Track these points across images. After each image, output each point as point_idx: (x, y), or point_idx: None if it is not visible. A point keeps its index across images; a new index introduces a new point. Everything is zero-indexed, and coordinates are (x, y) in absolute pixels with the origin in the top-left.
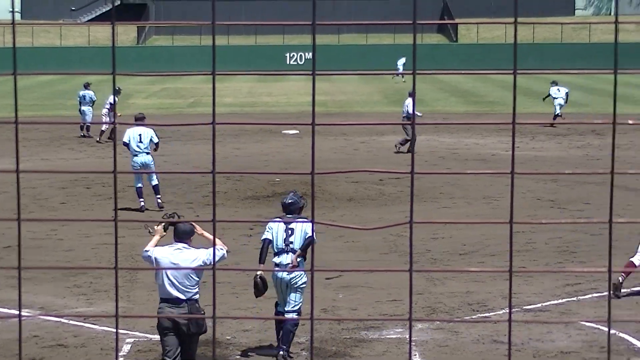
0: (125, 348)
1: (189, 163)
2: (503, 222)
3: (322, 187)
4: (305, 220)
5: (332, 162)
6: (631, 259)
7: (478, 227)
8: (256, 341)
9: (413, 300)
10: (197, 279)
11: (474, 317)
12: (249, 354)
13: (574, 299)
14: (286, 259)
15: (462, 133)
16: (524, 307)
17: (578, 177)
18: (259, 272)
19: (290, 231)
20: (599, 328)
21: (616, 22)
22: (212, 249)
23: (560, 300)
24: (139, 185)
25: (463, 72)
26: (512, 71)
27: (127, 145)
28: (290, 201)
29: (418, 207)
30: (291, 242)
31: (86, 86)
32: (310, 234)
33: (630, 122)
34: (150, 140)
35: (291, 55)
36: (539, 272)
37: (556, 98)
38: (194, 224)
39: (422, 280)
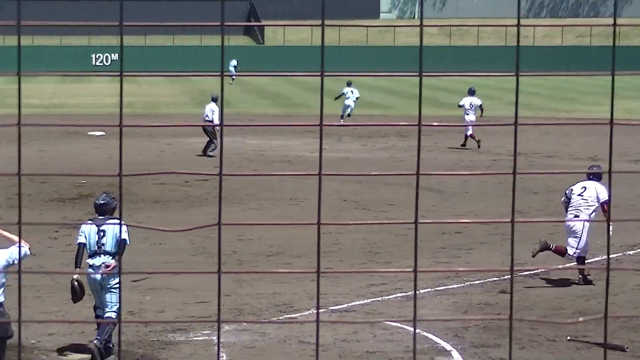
0: None
1: None
2: (310, 224)
3: (129, 189)
4: (116, 222)
5: (139, 164)
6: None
7: (284, 228)
8: (61, 344)
9: (220, 302)
10: (4, 280)
11: (280, 318)
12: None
13: (379, 299)
14: (99, 260)
15: (269, 135)
16: (331, 308)
17: (383, 179)
18: (75, 276)
19: (102, 233)
20: (403, 327)
21: (421, 26)
22: (13, 247)
23: (365, 301)
24: None
25: (271, 74)
26: (319, 74)
27: None
28: (102, 202)
29: (225, 209)
30: (103, 244)
31: None
32: (122, 237)
33: (434, 124)
34: None
35: (97, 56)
36: (346, 272)
37: (348, 98)
38: None
39: (229, 282)
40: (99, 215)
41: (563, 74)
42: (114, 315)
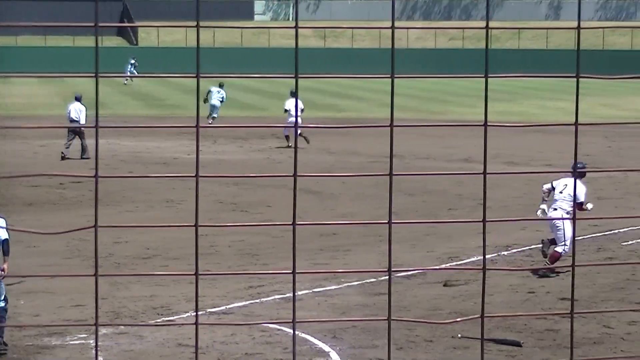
0: None
1: None
2: (188, 225)
3: (0, 191)
4: None
5: (11, 166)
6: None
7: (161, 230)
8: None
9: (98, 305)
10: None
11: (158, 321)
12: None
13: (258, 301)
14: None
15: (144, 136)
16: (209, 310)
17: (259, 181)
18: None
19: None
20: (281, 329)
21: (296, 27)
22: None
23: (244, 303)
24: None
25: (146, 75)
26: (195, 75)
27: None
28: None
29: (101, 211)
30: None
31: None
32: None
33: (311, 125)
34: None
35: None
36: (225, 274)
37: (213, 98)
38: None
39: (106, 285)
40: None
41: (437, 76)
42: (3, 303)
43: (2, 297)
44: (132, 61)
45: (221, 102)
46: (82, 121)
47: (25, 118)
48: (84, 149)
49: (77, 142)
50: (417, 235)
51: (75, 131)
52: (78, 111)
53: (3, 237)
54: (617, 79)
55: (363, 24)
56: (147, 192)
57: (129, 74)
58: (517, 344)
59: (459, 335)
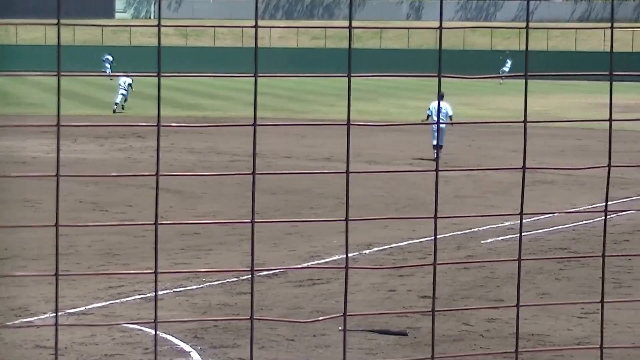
0: None
1: None
2: (48, 226)
3: None
4: None
5: None
6: None
7: (19, 230)
8: None
9: None
10: None
11: (16, 322)
12: None
13: (117, 301)
14: None
15: (2, 135)
16: (67, 311)
17: (120, 180)
18: None
19: None
20: (142, 330)
21: (159, 26)
22: None
23: (104, 303)
24: None
25: (5, 73)
26: (56, 73)
27: None
28: None
29: None
30: None
31: None
32: None
33: (173, 124)
34: None
35: None
36: (85, 275)
37: (121, 88)
38: None
39: None
40: None
41: (300, 76)
42: None
43: None
44: (109, 57)
45: (127, 90)
46: None
47: None
48: None
49: None
50: (279, 234)
51: None
52: None
53: None
54: (477, 78)
55: (225, 22)
56: (4, 192)
57: (108, 71)
58: (404, 334)
59: (339, 329)
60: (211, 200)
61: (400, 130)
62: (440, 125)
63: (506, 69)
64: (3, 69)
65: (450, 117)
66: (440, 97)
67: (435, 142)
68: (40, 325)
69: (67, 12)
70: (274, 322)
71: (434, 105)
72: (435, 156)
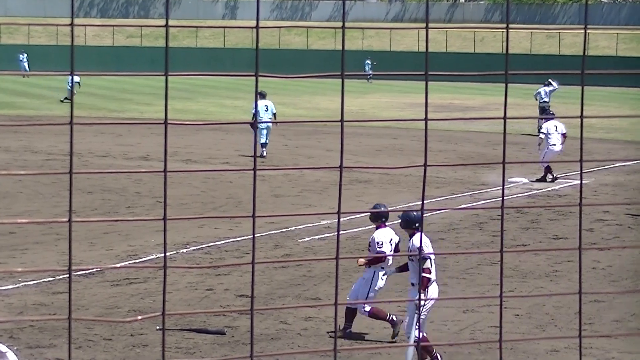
0: None
1: None
2: None
3: None
4: None
5: None
6: None
7: None
8: None
9: None
10: None
11: None
12: None
13: None
14: None
15: None
16: None
17: None
18: None
19: None
20: None
21: (72, 24)
22: None
23: None
24: None
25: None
26: None
27: None
28: None
29: None
30: None
31: None
32: None
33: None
34: None
35: None
36: None
37: None
38: None
39: None
40: None
41: (116, 74)
42: None
43: None
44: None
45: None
46: None
47: None
48: None
49: None
50: (97, 233)
51: None
52: None
53: None
54: (294, 78)
55: (40, 20)
56: None
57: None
58: (222, 333)
59: (157, 328)
60: (27, 200)
61: (219, 129)
62: (268, 124)
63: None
64: None
65: (275, 114)
66: (262, 95)
67: (263, 140)
68: None
69: None
70: (91, 322)
71: (259, 103)
72: (263, 154)
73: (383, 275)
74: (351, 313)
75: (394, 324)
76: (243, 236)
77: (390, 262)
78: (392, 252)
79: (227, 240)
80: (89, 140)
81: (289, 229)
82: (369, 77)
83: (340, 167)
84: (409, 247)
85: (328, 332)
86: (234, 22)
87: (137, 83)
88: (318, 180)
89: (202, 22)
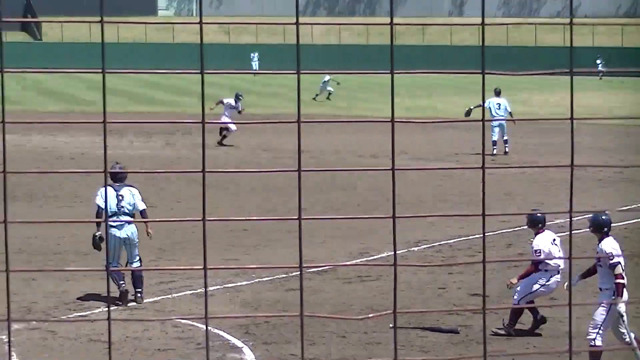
0: None
1: None
2: (98, 221)
3: None
4: (132, 186)
5: None
6: None
7: (71, 226)
8: None
9: (9, 301)
10: None
11: (70, 316)
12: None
13: (169, 296)
14: (120, 219)
15: (53, 132)
16: (121, 307)
17: (168, 176)
18: (97, 233)
19: (120, 197)
20: (194, 325)
21: (200, 23)
22: None
23: (155, 298)
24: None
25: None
26: (101, 70)
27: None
28: (118, 170)
29: (11, 207)
30: (122, 207)
31: None
32: (141, 207)
33: (216, 121)
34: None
35: None
36: (136, 269)
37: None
38: None
39: (17, 281)
40: (115, 182)
41: (342, 72)
42: (139, 263)
43: (137, 259)
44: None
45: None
46: None
47: None
48: None
49: None
50: (328, 231)
51: None
52: None
53: (141, 208)
54: (522, 75)
55: (267, 19)
56: (56, 188)
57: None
58: (455, 331)
59: (390, 326)
60: (260, 197)
61: (449, 127)
62: (501, 122)
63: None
64: (50, 67)
65: (510, 113)
66: (497, 93)
67: (494, 138)
68: (94, 320)
69: (111, 10)
70: (325, 319)
71: (492, 100)
72: (494, 152)
73: (555, 280)
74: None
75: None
76: (474, 234)
77: (561, 265)
78: (560, 251)
79: (458, 239)
80: (320, 139)
81: (522, 227)
82: (600, 74)
83: (572, 165)
84: (597, 252)
85: (565, 333)
86: (461, 20)
87: (362, 81)
88: (551, 180)
89: (428, 19)
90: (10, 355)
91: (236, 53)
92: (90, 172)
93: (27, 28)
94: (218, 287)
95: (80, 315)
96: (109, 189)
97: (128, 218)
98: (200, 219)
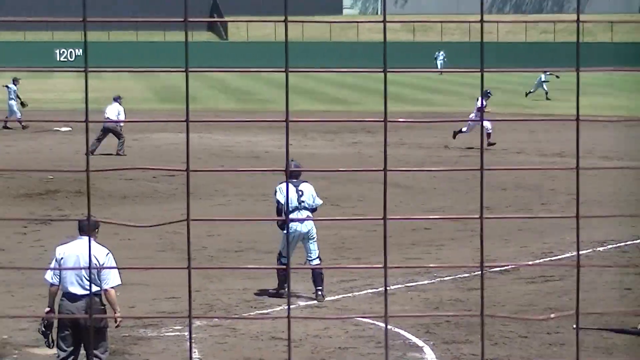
0: None
1: None
2: (279, 219)
3: (96, 184)
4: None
5: (106, 160)
6: None
7: (253, 224)
8: (33, 340)
9: (191, 298)
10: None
11: (252, 314)
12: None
13: (350, 295)
14: (303, 214)
15: (235, 130)
16: (302, 304)
17: (350, 175)
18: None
19: (300, 192)
20: (375, 323)
21: (384, 22)
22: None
23: (336, 297)
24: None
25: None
26: (284, 69)
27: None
28: (296, 168)
29: (193, 205)
30: (303, 201)
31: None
32: (317, 201)
33: (400, 120)
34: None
35: (61, 52)
36: (316, 268)
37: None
38: None
39: (199, 278)
40: (293, 179)
41: (528, 70)
42: (318, 261)
43: (316, 254)
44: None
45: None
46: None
47: None
48: (119, 145)
49: (106, 142)
50: (511, 230)
51: (111, 130)
52: (117, 112)
53: (319, 203)
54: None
55: (452, 17)
56: (238, 186)
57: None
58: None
59: (573, 326)
60: (441, 196)
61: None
62: None
63: None
64: (234, 66)
65: None
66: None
67: None
68: (275, 317)
69: (296, 9)
70: (506, 319)
71: None
72: None
73: None
74: None
75: None
76: None
77: None
78: None
79: None
80: (504, 137)
81: None
82: None
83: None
84: None
85: None
86: None
87: (550, 78)
88: None
89: (617, 16)
90: (191, 352)
91: (420, 51)
92: (274, 171)
93: (214, 28)
94: (399, 285)
95: (261, 313)
96: (289, 185)
97: (308, 213)
98: (381, 217)
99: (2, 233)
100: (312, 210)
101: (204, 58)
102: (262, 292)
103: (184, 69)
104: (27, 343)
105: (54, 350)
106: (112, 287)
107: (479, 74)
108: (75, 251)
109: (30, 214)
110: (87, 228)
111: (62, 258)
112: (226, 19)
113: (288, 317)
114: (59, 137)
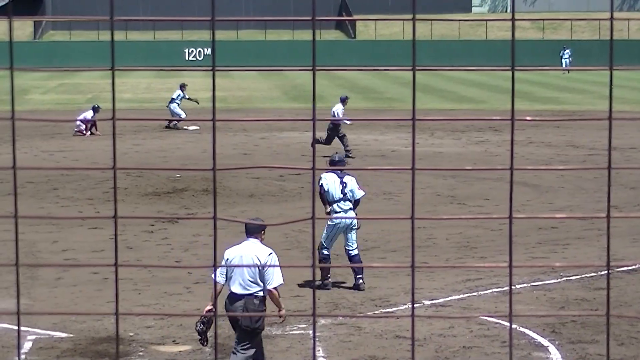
0: (27, 345)
1: (88, 159)
2: (404, 218)
3: (223, 183)
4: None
5: (233, 158)
6: None
7: (379, 222)
8: (159, 337)
9: (315, 296)
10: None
11: (376, 312)
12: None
13: (475, 294)
14: (346, 205)
15: (361, 129)
16: (426, 303)
17: (477, 173)
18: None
19: (344, 184)
20: (500, 323)
21: (513, 20)
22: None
23: (461, 296)
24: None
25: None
26: (411, 68)
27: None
28: (340, 160)
29: (318, 203)
30: (346, 193)
31: None
32: (358, 194)
33: (528, 118)
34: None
35: (190, 51)
36: (441, 267)
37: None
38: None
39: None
40: (338, 171)
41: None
42: (357, 250)
43: (355, 245)
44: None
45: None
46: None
47: (246, 111)
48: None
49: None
50: (638, 229)
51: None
52: (341, 111)
53: (360, 195)
54: None
55: (582, 15)
56: (364, 184)
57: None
58: None
59: None
60: (568, 194)
61: None
62: None
63: None
64: (362, 64)
65: None
66: None
67: None
68: (399, 316)
69: (425, 8)
70: (633, 319)
71: None
72: None
73: None
74: None
75: None
76: None
77: None
78: None
79: None
80: (632, 136)
81: None
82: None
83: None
84: None
85: None
86: None
87: None
88: None
89: None
90: (315, 350)
91: (549, 49)
92: (399, 169)
93: (342, 26)
94: (525, 285)
95: (385, 312)
96: (333, 175)
97: (350, 204)
98: (506, 216)
99: (130, 231)
100: (355, 202)
101: (332, 57)
102: (306, 284)
103: (310, 67)
104: (152, 341)
105: (181, 348)
106: (274, 288)
107: (608, 72)
108: (239, 252)
109: (157, 212)
110: (252, 230)
111: (228, 259)
112: (354, 17)
113: (412, 315)
114: (187, 135)
